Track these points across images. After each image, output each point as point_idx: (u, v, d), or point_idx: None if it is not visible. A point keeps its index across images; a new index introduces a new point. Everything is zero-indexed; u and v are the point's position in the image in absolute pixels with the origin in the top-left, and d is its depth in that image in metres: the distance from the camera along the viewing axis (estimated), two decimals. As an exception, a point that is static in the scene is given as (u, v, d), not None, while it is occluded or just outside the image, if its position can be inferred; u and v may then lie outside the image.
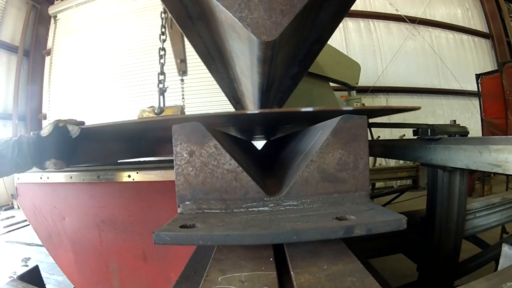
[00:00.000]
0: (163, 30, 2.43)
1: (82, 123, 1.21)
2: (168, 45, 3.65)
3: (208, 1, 0.89)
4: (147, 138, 1.96)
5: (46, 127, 1.10)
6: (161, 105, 2.58)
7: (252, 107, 2.11)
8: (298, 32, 1.00)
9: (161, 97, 2.54)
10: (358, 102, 6.01)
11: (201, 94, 7.89)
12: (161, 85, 2.46)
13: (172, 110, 2.75)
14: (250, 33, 0.79)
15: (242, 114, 1.31)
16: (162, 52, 2.39)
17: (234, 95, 2.43)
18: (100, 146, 1.42)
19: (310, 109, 1.19)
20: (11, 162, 1.02)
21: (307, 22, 1.05)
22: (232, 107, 3.30)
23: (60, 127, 1.11)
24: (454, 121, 2.00)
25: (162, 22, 2.42)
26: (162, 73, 2.42)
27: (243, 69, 1.27)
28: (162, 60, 2.41)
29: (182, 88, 5.33)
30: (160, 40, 2.42)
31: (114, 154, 1.64)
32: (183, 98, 5.45)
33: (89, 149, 1.30)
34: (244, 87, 1.67)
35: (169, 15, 2.90)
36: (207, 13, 1.00)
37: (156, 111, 2.62)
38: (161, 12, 2.41)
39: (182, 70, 4.38)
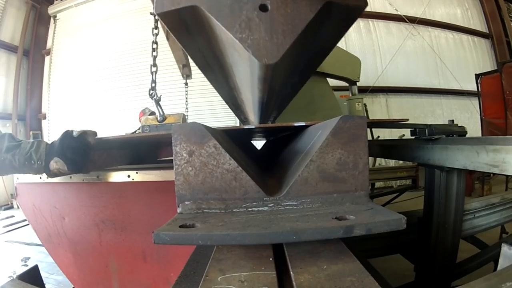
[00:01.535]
0: (155, 54, 2.41)
1: (95, 133, 1.25)
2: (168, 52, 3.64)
3: (208, 19, 0.88)
4: (147, 143, 1.97)
5: (63, 134, 1.21)
6: (161, 113, 2.62)
7: (251, 114, 2.11)
8: (299, 48, 1.00)
9: (159, 106, 2.57)
10: (359, 102, 6.00)
11: (202, 94, 7.89)
12: (155, 97, 2.49)
13: (174, 118, 2.78)
14: (251, 55, 0.79)
15: (239, 129, 1.33)
16: (154, 69, 2.39)
17: (233, 101, 2.43)
18: (106, 154, 1.44)
19: (302, 123, 1.24)
20: (27, 156, 1.11)
21: (308, 38, 1.04)
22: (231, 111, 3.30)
23: (76, 136, 1.18)
24: (452, 121, 2.00)
25: (154, 38, 2.41)
26: (153, 88, 2.43)
27: (243, 81, 1.27)
28: (153, 77, 2.41)
29: (186, 91, 5.33)
30: (152, 56, 2.42)
31: (118, 160, 1.66)
32: (186, 101, 5.45)
33: (96, 156, 1.34)
34: (244, 96, 1.67)
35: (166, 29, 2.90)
36: (206, 29, 0.99)
37: (158, 119, 2.65)
38: (153, 28, 2.40)
39: (186, 74, 4.37)
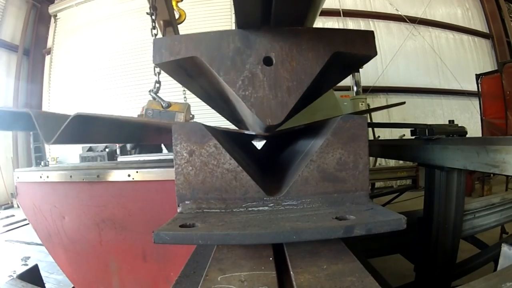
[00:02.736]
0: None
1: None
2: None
3: (209, 69, 0.86)
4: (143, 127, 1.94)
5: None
6: (162, 102, 2.62)
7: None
8: (303, 97, 0.94)
9: (158, 97, 2.58)
10: (363, 101, 6.00)
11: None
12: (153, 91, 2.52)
13: (179, 106, 2.77)
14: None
15: (240, 133, 1.31)
16: (158, 69, 2.42)
17: (235, 118, 2.42)
18: (106, 129, 1.41)
19: (301, 126, 1.22)
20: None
21: (312, 86, 0.98)
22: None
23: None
24: (452, 121, 2.00)
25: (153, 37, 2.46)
26: (158, 81, 2.47)
27: (247, 115, 1.25)
28: (158, 78, 2.45)
29: (184, 91, 5.32)
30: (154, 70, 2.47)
31: (111, 137, 1.61)
32: (185, 97, 5.46)
33: (94, 131, 1.30)
34: (246, 121, 1.65)
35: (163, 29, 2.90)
36: (207, 74, 0.95)
37: (163, 105, 2.65)
38: (151, 29, 2.42)
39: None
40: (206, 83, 1.13)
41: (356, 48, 0.88)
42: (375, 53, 0.89)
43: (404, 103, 1.65)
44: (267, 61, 0.83)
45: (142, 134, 2.14)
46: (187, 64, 0.91)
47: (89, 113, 0.95)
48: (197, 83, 1.19)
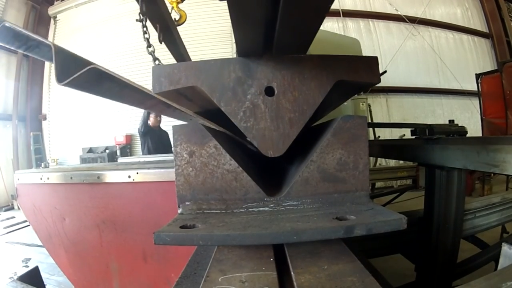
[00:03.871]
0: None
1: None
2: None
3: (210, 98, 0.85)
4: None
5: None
6: None
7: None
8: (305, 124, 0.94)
9: None
10: (364, 102, 6.02)
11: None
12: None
13: None
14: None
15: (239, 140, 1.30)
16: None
17: (237, 131, 2.42)
18: (118, 88, 1.41)
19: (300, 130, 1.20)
20: None
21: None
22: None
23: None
24: (452, 120, 2.00)
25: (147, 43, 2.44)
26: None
27: None
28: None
29: None
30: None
31: (121, 97, 1.62)
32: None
33: (107, 86, 1.29)
34: None
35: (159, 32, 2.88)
36: (208, 99, 0.93)
37: None
38: (143, 33, 2.42)
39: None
40: (206, 104, 1.13)
41: (359, 76, 0.86)
42: (379, 81, 0.88)
43: (385, 72, 1.61)
44: (269, 91, 0.82)
45: (152, 104, 2.14)
46: (187, 92, 0.90)
47: (106, 69, 0.95)
48: (197, 105, 1.19)
